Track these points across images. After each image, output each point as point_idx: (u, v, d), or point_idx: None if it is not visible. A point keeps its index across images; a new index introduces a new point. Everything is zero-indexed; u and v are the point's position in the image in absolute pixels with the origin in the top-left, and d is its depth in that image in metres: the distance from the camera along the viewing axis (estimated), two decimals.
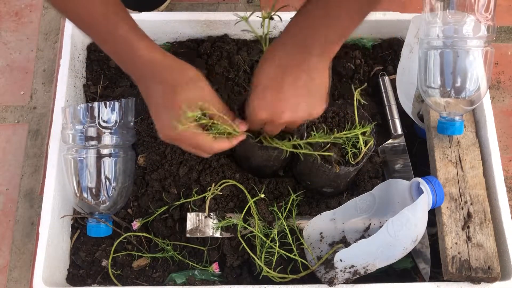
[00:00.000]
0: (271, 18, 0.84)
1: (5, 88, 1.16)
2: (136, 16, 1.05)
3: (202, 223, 0.90)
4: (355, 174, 0.93)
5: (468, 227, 0.88)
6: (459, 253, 0.86)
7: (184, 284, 0.89)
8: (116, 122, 0.91)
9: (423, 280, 0.90)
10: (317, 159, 0.84)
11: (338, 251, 0.82)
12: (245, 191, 0.90)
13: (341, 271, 0.82)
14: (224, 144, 0.78)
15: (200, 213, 0.91)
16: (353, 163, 0.86)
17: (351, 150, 0.86)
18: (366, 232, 0.91)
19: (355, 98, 0.86)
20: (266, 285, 0.86)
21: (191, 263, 0.91)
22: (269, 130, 0.80)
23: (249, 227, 0.88)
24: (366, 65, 1.08)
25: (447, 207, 0.89)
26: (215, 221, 0.90)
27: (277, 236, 0.86)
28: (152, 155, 0.96)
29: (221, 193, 0.91)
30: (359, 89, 0.86)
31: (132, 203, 0.97)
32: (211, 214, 0.91)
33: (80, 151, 0.90)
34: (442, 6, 0.89)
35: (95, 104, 0.90)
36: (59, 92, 0.97)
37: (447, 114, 0.90)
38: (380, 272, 0.88)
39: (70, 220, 0.97)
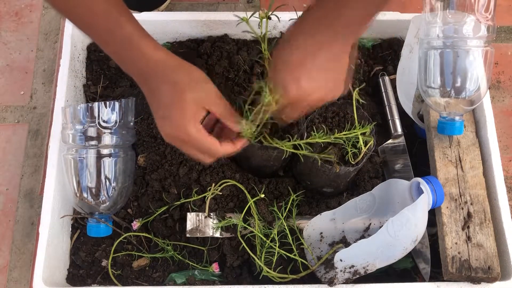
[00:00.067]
0: (269, 18, 0.84)
1: (5, 88, 1.16)
2: (136, 16, 1.05)
3: (202, 223, 0.90)
4: (355, 174, 0.93)
5: (468, 227, 0.88)
6: (459, 253, 0.86)
7: (184, 284, 0.89)
8: (116, 122, 0.91)
9: (423, 280, 0.90)
10: (317, 160, 0.84)
11: (338, 251, 0.82)
12: (245, 191, 0.90)
13: (341, 271, 0.82)
14: (229, 148, 0.78)
15: (200, 213, 0.91)
16: (353, 163, 0.86)
17: (351, 150, 0.86)
18: (366, 232, 0.91)
19: (353, 98, 0.86)
20: (266, 285, 0.86)
21: (191, 263, 0.91)
22: (289, 114, 0.77)
23: (249, 227, 0.88)
24: (366, 65, 1.08)
25: (447, 207, 0.89)
26: (215, 221, 0.90)
27: (277, 236, 0.86)
28: (152, 155, 0.96)
29: (221, 193, 0.91)
30: (357, 89, 0.86)
31: (132, 203, 0.97)
32: (211, 214, 0.91)
33: (80, 151, 0.90)
34: (442, 6, 0.89)
35: (95, 104, 0.90)
36: (59, 92, 0.97)
37: (447, 114, 0.90)
38: (380, 272, 0.88)
39: (70, 220, 0.97)
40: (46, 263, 0.87)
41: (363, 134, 0.86)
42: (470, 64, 0.88)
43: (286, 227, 0.87)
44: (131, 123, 0.96)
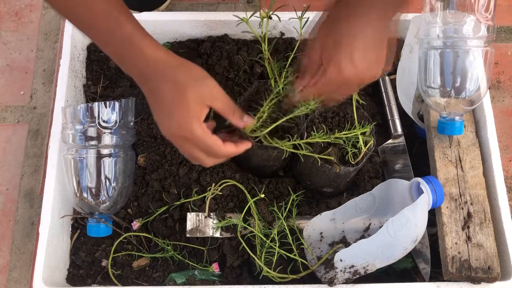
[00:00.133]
0: (270, 18, 0.84)
1: (5, 88, 1.16)
2: (136, 16, 1.05)
3: (202, 223, 0.90)
4: (355, 174, 0.93)
5: (468, 227, 0.88)
6: (459, 253, 0.86)
7: (184, 284, 0.89)
8: (116, 122, 0.91)
9: (423, 280, 0.90)
10: (317, 160, 0.84)
11: (338, 251, 0.82)
12: (245, 191, 0.90)
13: (341, 271, 0.82)
14: (232, 149, 0.78)
15: (200, 213, 0.91)
16: (353, 163, 0.86)
17: (351, 150, 0.86)
18: (366, 232, 0.91)
19: (353, 98, 0.86)
20: (266, 285, 0.86)
21: (191, 263, 0.91)
22: (339, 94, 0.77)
23: (249, 227, 0.88)
24: None
25: (447, 207, 0.89)
26: (215, 221, 0.90)
27: (277, 236, 0.86)
28: (152, 155, 0.96)
29: (221, 193, 0.91)
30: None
31: (132, 203, 0.97)
32: (211, 214, 0.91)
33: (80, 151, 0.90)
34: (442, 6, 0.89)
35: (95, 104, 0.90)
36: (59, 92, 0.97)
37: (447, 114, 0.90)
38: (380, 272, 0.88)
39: (70, 220, 0.97)
40: (46, 263, 0.87)
41: (363, 134, 0.86)
42: (470, 64, 0.88)
43: (286, 227, 0.87)
44: (131, 123, 0.96)
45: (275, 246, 0.86)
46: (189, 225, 0.90)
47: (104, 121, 0.90)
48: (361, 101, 0.89)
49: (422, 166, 0.98)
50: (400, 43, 0.80)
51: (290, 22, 1.04)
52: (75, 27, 0.74)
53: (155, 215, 0.93)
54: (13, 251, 1.03)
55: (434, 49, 0.89)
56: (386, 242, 0.81)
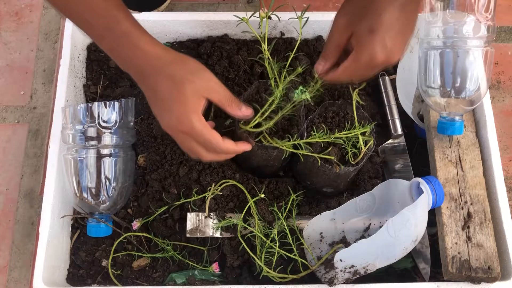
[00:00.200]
0: (269, 18, 0.84)
1: (5, 88, 1.16)
2: (136, 16, 1.05)
3: (202, 223, 0.90)
4: (355, 174, 0.93)
5: (468, 227, 0.88)
6: (459, 253, 0.86)
7: (184, 284, 0.89)
8: (116, 122, 0.91)
9: (423, 280, 0.90)
10: (317, 159, 0.84)
11: (338, 251, 0.82)
12: (245, 191, 0.90)
13: (341, 271, 0.82)
14: (230, 146, 0.79)
15: (200, 213, 0.91)
16: (353, 163, 0.86)
17: (351, 150, 0.86)
18: (366, 232, 0.91)
19: (354, 98, 0.86)
20: (266, 285, 0.86)
21: (191, 263, 0.91)
22: (366, 76, 0.79)
23: (249, 227, 0.88)
24: None
25: (447, 207, 0.89)
26: (215, 221, 0.90)
27: (277, 236, 0.86)
28: (152, 155, 0.96)
29: (221, 193, 0.91)
30: (357, 89, 0.86)
31: (132, 203, 0.97)
32: (211, 214, 0.91)
33: (80, 151, 0.90)
34: (442, 6, 0.89)
35: (95, 104, 0.90)
36: (59, 92, 0.97)
37: (447, 114, 0.90)
38: (380, 272, 0.88)
39: (70, 220, 0.97)
40: (46, 263, 0.87)
41: (363, 134, 0.86)
42: (470, 64, 0.88)
43: (286, 227, 0.87)
44: (131, 123, 0.96)
45: (275, 246, 0.86)
46: (189, 225, 0.90)
47: (104, 121, 0.90)
48: (361, 101, 0.89)
49: (422, 166, 0.98)
50: (405, 49, 0.81)
51: (290, 22, 1.04)
52: (74, 24, 0.75)
53: (155, 215, 0.93)
54: (13, 251, 1.03)
55: (434, 49, 0.89)
56: (386, 242, 0.81)
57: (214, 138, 0.76)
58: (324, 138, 0.84)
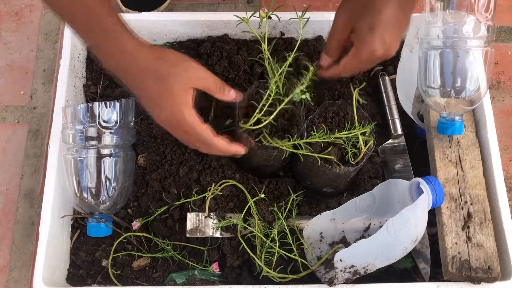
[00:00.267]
0: (269, 18, 0.84)
1: (5, 88, 1.16)
2: (136, 16, 1.05)
3: (202, 223, 0.90)
4: (355, 174, 0.93)
5: (468, 227, 0.88)
6: (459, 253, 0.86)
7: (184, 284, 0.89)
8: (116, 122, 0.91)
9: (423, 280, 0.90)
10: (317, 159, 0.84)
11: (338, 251, 0.82)
12: (245, 191, 0.90)
13: (341, 271, 0.82)
14: (222, 144, 0.80)
15: (200, 213, 0.91)
16: (353, 163, 0.86)
17: (351, 150, 0.86)
18: (366, 232, 0.91)
19: (354, 98, 0.86)
20: (266, 285, 0.86)
21: (191, 263, 0.91)
22: (363, 68, 0.85)
23: (249, 227, 0.88)
24: None
25: (447, 207, 0.89)
26: (215, 221, 0.90)
27: (277, 236, 0.86)
28: (152, 155, 0.96)
29: (221, 193, 0.91)
30: (357, 89, 0.86)
31: (132, 203, 0.97)
32: (211, 214, 0.91)
33: (80, 151, 0.90)
34: (442, 6, 0.89)
35: (95, 104, 0.90)
36: (59, 92, 0.97)
37: (447, 114, 0.90)
38: (380, 272, 0.88)
39: (70, 220, 0.97)
40: (46, 263, 0.87)
41: (363, 134, 0.86)
42: (470, 64, 0.88)
43: (286, 227, 0.87)
44: (131, 123, 0.96)
45: (275, 246, 0.86)
46: (189, 225, 0.90)
47: (104, 121, 0.90)
48: (361, 101, 0.89)
49: (422, 166, 0.98)
50: (400, 43, 0.83)
51: (290, 22, 1.04)
52: (61, 18, 0.75)
53: (155, 215, 0.93)
54: (13, 251, 1.03)
55: (434, 49, 0.89)
56: (386, 242, 0.81)
57: (204, 132, 0.78)
58: (324, 138, 0.84)
